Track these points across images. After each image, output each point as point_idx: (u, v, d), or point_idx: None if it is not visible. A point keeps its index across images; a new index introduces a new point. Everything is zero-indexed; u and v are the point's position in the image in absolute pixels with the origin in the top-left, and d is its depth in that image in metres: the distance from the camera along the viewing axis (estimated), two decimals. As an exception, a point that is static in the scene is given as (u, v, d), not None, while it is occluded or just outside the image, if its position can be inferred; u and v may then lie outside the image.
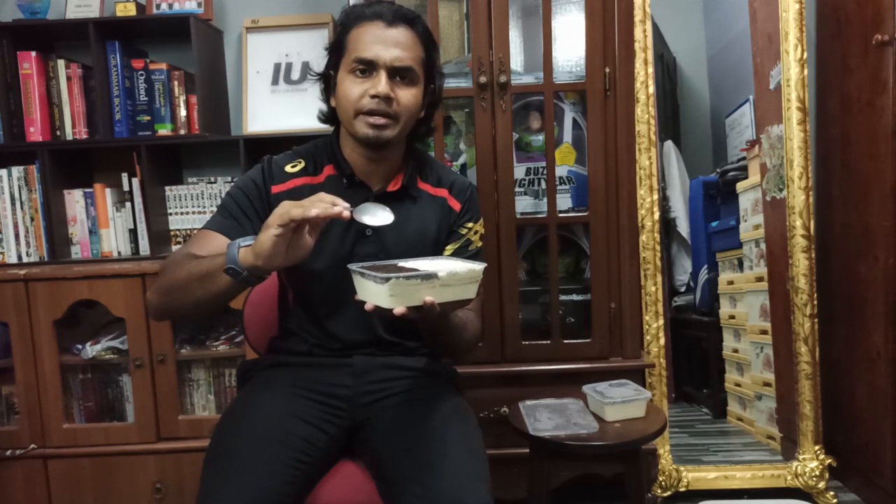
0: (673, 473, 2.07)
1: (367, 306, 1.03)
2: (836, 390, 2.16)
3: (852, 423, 2.10)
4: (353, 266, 1.08)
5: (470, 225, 1.38)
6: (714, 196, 2.65)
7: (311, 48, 2.25)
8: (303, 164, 1.33)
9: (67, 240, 2.21)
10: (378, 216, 1.12)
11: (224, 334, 2.10)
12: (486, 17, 1.85)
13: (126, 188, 2.19)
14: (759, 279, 2.32)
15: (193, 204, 2.23)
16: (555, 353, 1.92)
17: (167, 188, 2.23)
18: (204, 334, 2.11)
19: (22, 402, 1.97)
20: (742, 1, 2.34)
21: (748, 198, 2.38)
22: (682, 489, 2.06)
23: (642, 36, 2.05)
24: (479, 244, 1.39)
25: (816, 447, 2.06)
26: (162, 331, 1.96)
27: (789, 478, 2.07)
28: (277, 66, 2.28)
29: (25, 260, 2.17)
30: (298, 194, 1.26)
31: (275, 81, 2.28)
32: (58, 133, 2.17)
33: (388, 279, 0.99)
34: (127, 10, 2.13)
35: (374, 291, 1.02)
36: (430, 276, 1.01)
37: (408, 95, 1.25)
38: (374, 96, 1.22)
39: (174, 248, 2.22)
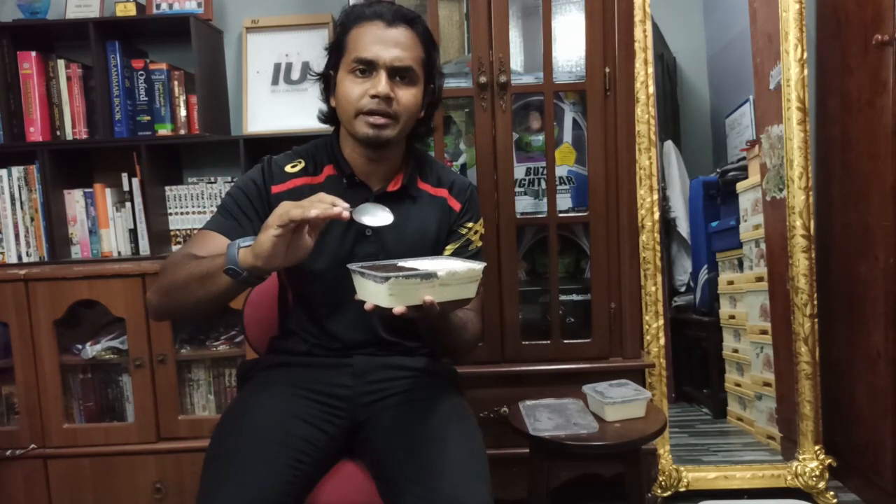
0: (673, 473, 2.07)
1: (367, 306, 1.03)
2: (836, 390, 2.16)
3: (852, 423, 2.10)
4: (352, 266, 1.08)
5: (470, 225, 1.38)
6: (714, 196, 2.65)
7: (311, 48, 2.25)
8: (303, 164, 1.33)
9: (67, 240, 2.21)
10: (378, 217, 1.12)
11: (224, 334, 2.10)
12: (486, 17, 1.85)
13: (126, 188, 2.19)
14: (759, 279, 2.32)
15: (193, 204, 2.23)
16: (555, 353, 1.92)
17: (167, 188, 2.23)
18: (204, 334, 2.11)
19: (22, 402, 1.97)
20: (742, 1, 2.34)
21: (748, 198, 2.38)
22: (682, 489, 2.06)
23: (642, 36, 2.05)
24: (479, 244, 1.39)
25: (816, 447, 2.06)
26: (162, 331, 1.96)
27: (789, 478, 2.07)
28: (277, 66, 2.28)
29: (25, 260, 2.17)
30: (298, 194, 1.26)
31: (275, 81, 2.28)
32: (58, 133, 2.17)
33: (387, 278, 0.99)
34: (127, 10, 2.13)
35: (373, 291, 1.02)
36: (429, 276, 1.01)
37: (408, 95, 1.25)
38: (374, 96, 1.22)
39: (174, 248, 2.22)
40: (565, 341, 1.93)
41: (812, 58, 2.21)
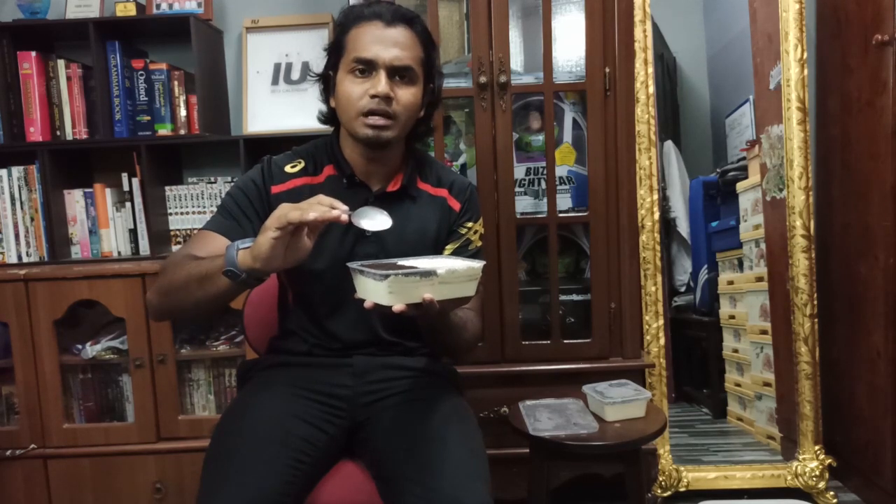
0: (673, 473, 2.06)
1: (367, 304, 1.03)
2: (836, 390, 2.16)
3: (852, 423, 2.10)
4: (352, 264, 1.08)
5: (470, 224, 1.38)
6: (714, 196, 2.65)
7: (311, 48, 2.25)
8: (303, 165, 1.33)
9: (67, 240, 2.21)
10: (376, 220, 1.12)
11: (224, 334, 2.10)
12: (486, 17, 1.85)
13: (126, 188, 2.19)
14: (759, 279, 2.32)
15: (193, 204, 2.23)
16: (555, 353, 1.92)
17: (167, 188, 2.23)
18: (204, 334, 2.11)
19: (22, 402, 1.97)
20: (742, 1, 2.34)
21: (748, 198, 2.38)
22: (682, 489, 2.06)
23: (642, 36, 2.05)
24: (479, 244, 1.39)
25: (816, 447, 2.06)
26: (162, 331, 1.96)
27: (789, 478, 2.07)
28: (277, 66, 2.28)
29: (25, 260, 2.17)
30: (298, 194, 1.26)
31: (275, 81, 2.28)
32: (58, 133, 2.18)
33: (386, 276, 0.99)
34: (127, 10, 2.13)
35: (373, 289, 1.02)
36: (428, 274, 1.01)
37: (407, 95, 1.25)
38: (373, 96, 1.22)
39: (174, 248, 2.22)
40: (565, 341, 1.93)
41: (812, 58, 2.21)
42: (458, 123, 2.10)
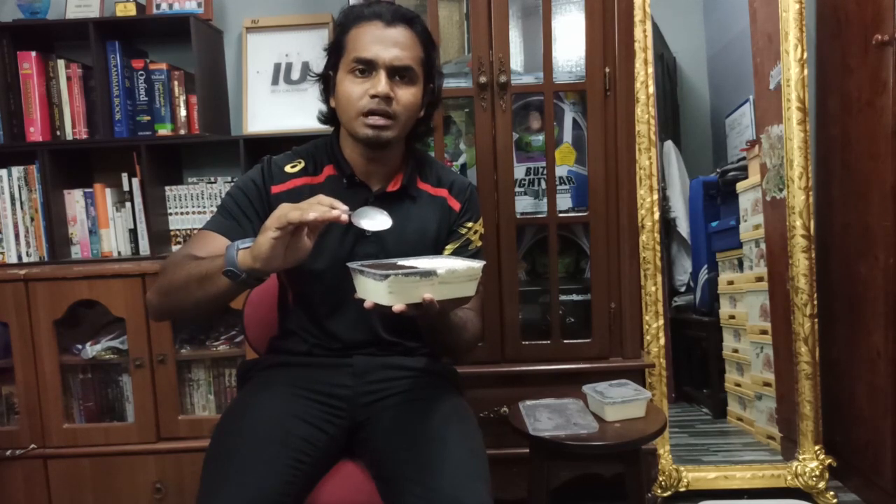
0: (673, 473, 2.06)
1: (367, 304, 1.03)
2: (836, 390, 2.16)
3: (852, 423, 2.10)
4: (352, 264, 1.08)
5: (470, 224, 1.38)
6: (714, 196, 2.65)
7: (311, 48, 2.25)
8: (303, 165, 1.33)
9: (67, 240, 2.21)
10: (376, 220, 1.12)
11: (224, 334, 2.10)
12: (486, 17, 1.85)
13: (126, 188, 2.19)
14: (759, 279, 2.32)
15: (193, 204, 2.23)
16: (555, 353, 1.92)
17: (167, 188, 2.23)
18: (204, 334, 2.11)
19: (22, 402, 1.97)
20: (742, 1, 2.34)
21: (748, 198, 2.38)
22: (682, 489, 2.06)
23: (642, 36, 2.05)
24: (479, 244, 1.39)
25: (816, 447, 2.06)
26: (162, 331, 1.96)
27: (789, 478, 2.07)
28: (277, 66, 2.28)
29: (25, 260, 2.17)
30: (298, 194, 1.26)
31: (275, 81, 2.28)
32: (58, 133, 2.18)
33: (386, 276, 0.99)
34: (127, 10, 2.13)
35: (373, 289, 1.02)
36: (428, 273, 1.01)
37: (407, 95, 1.25)
38: (373, 96, 1.22)
39: (174, 248, 2.22)
40: (565, 341, 1.93)
41: (812, 58, 2.21)
42: (458, 123, 2.11)
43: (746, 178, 2.41)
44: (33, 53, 2.14)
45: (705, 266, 2.68)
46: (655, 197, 2.08)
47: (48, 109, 2.17)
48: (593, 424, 1.51)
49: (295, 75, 2.27)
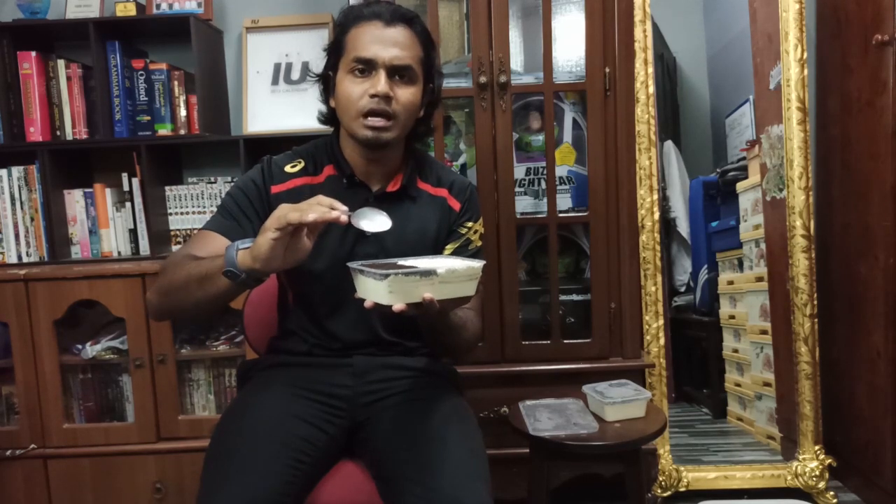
0: (673, 473, 2.06)
1: (367, 304, 1.03)
2: (836, 390, 2.16)
3: (852, 423, 2.10)
4: (352, 264, 1.08)
5: (470, 224, 1.38)
6: (714, 196, 2.65)
7: (311, 48, 2.25)
8: (302, 164, 1.33)
9: (67, 240, 2.21)
10: (376, 221, 1.12)
11: (224, 334, 2.10)
12: (486, 17, 1.85)
13: (126, 188, 2.19)
14: (759, 279, 2.32)
15: (193, 204, 2.23)
16: (555, 353, 1.92)
17: (167, 188, 2.23)
18: (204, 334, 2.11)
19: (22, 402, 1.97)
20: (742, 1, 2.34)
21: (748, 198, 2.38)
22: (682, 489, 2.06)
23: (642, 36, 2.05)
24: (479, 243, 1.39)
25: (816, 447, 2.06)
26: (162, 331, 1.96)
27: (789, 478, 2.07)
28: (277, 66, 2.28)
29: (25, 260, 2.17)
30: (298, 194, 1.26)
31: (275, 81, 2.28)
32: (58, 133, 2.17)
33: (386, 275, 0.99)
34: (127, 10, 2.13)
35: (373, 288, 1.02)
36: (428, 273, 1.01)
37: (407, 94, 1.25)
38: (373, 95, 1.22)
39: (174, 248, 2.22)
40: (565, 341, 1.93)
41: (812, 58, 2.21)
42: (458, 123, 2.11)
43: (746, 178, 2.41)
44: (33, 53, 2.14)
45: (705, 266, 2.68)
46: (655, 197, 2.08)
47: (48, 109, 2.17)
48: (593, 424, 1.51)
49: (295, 75, 2.27)
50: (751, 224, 2.37)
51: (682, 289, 2.81)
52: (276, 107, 2.26)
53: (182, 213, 2.24)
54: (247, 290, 1.37)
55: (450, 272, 1.03)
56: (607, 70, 1.86)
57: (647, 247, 2.08)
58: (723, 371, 2.56)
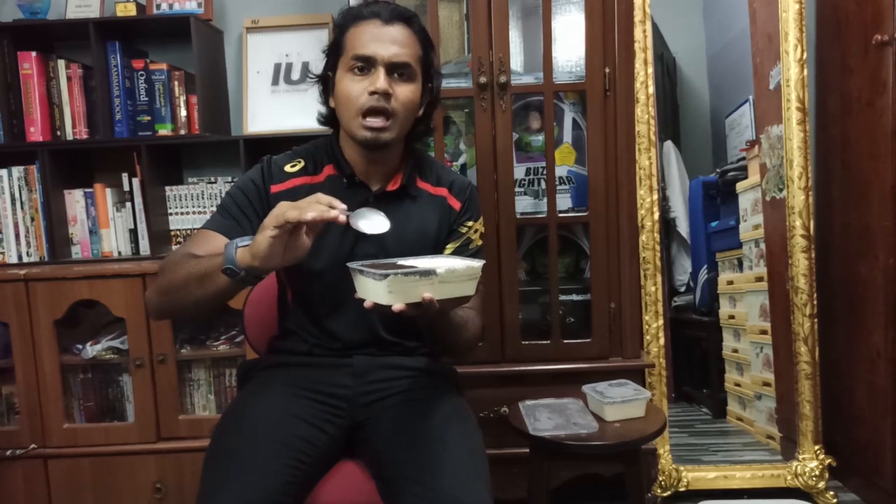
0: (673, 473, 2.06)
1: (367, 304, 1.03)
2: (836, 390, 2.16)
3: (852, 423, 2.10)
4: (351, 264, 1.08)
5: (470, 224, 1.38)
6: (714, 196, 2.65)
7: (311, 48, 2.25)
8: (302, 164, 1.33)
9: (67, 240, 2.21)
10: (374, 222, 1.12)
11: (224, 334, 2.10)
12: (486, 17, 1.85)
13: (126, 188, 2.19)
14: (759, 279, 2.32)
15: (193, 204, 2.23)
16: (555, 353, 1.92)
17: (167, 188, 2.23)
18: (204, 334, 2.11)
19: (22, 402, 1.97)
20: (742, 1, 2.34)
21: (748, 198, 2.38)
22: (682, 489, 2.06)
23: (642, 36, 2.05)
24: (480, 243, 1.39)
25: (816, 447, 2.06)
26: (162, 331, 1.96)
27: (789, 478, 2.07)
28: (277, 67, 2.28)
29: (25, 260, 2.17)
30: (297, 194, 1.26)
31: (275, 81, 2.28)
32: (58, 133, 2.18)
33: (386, 276, 0.99)
34: (127, 10, 2.13)
35: (372, 288, 1.03)
36: (428, 273, 1.01)
37: (406, 92, 1.25)
38: (372, 93, 1.22)
39: (174, 248, 2.22)
40: (565, 341, 1.93)
41: (812, 58, 2.21)
42: (458, 123, 2.11)
43: (746, 178, 2.41)
44: (33, 53, 2.14)
45: (705, 266, 2.68)
46: (655, 197, 2.08)
47: (48, 109, 2.17)
48: (593, 424, 1.51)
49: (295, 75, 2.27)
50: (750, 224, 2.37)
51: (682, 289, 2.81)
52: (276, 107, 2.26)
53: (182, 213, 2.24)
54: (246, 288, 1.37)
55: (449, 272, 1.03)
56: (607, 70, 1.86)
57: (646, 247, 2.08)
58: (723, 371, 2.56)
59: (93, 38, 2.09)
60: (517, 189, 1.96)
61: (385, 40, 1.23)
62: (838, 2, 2.12)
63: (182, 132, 2.18)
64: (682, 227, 2.73)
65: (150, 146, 2.14)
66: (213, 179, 2.23)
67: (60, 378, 1.98)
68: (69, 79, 2.17)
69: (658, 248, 2.10)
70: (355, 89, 1.24)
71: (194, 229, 2.22)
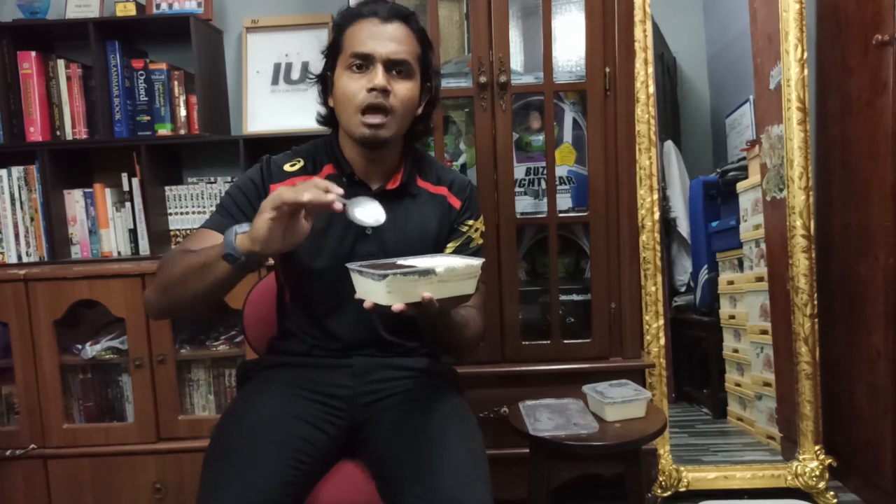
0: (673, 473, 2.06)
1: (366, 304, 1.03)
2: (836, 390, 2.16)
3: (852, 423, 2.10)
4: (351, 265, 1.08)
5: (470, 223, 1.38)
6: (714, 196, 2.65)
7: (311, 48, 2.25)
8: (302, 164, 1.33)
9: (67, 240, 2.21)
10: (368, 210, 1.10)
11: (224, 334, 2.10)
12: (486, 17, 1.85)
13: (126, 188, 2.19)
14: (759, 279, 2.32)
15: (193, 204, 2.23)
16: (555, 353, 1.92)
17: (167, 188, 2.23)
18: (204, 334, 2.11)
19: (22, 402, 1.97)
20: (742, 1, 2.34)
21: (748, 198, 2.38)
22: (682, 489, 2.06)
23: (642, 36, 2.05)
24: (480, 241, 1.39)
25: (816, 447, 2.06)
26: (162, 331, 1.96)
27: (789, 478, 2.06)
28: (277, 66, 2.28)
29: (25, 260, 2.17)
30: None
31: (275, 81, 2.28)
32: (58, 133, 2.18)
33: (385, 276, 0.99)
34: (127, 10, 2.13)
35: (372, 289, 1.02)
36: (427, 272, 1.01)
37: (404, 89, 1.25)
38: (371, 89, 1.22)
39: (173, 247, 2.22)
40: (565, 341, 1.93)
41: (812, 58, 2.21)
42: (458, 123, 2.10)
43: (746, 178, 2.41)
44: (33, 53, 2.14)
45: (705, 266, 2.68)
46: (655, 197, 2.08)
47: (48, 109, 2.17)
48: (593, 424, 1.51)
49: (295, 75, 2.27)
50: (751, 224, 2.37)
51: (683, 289, 2.80)
52: (275, 107, 2.26)
53: (182, 213, 2.24)
54: (246, 289, 1.37)
55: (448, 271, 1.03)
56: (607, 70, 1.86)
57: (647, 247, 2.08)
58: (723, 371, 2.56)
59: (92, 38, 2.09)
60: (517, 189, 1.96)
61: (383, 38, 1.24)
62: (838, 2, 2.12)
63: (182, 132, 2.18)
64: (683, 227, 2.73)
65: (150, 146, 2.14)
66: (212, 179, 2.23)
67: (60, 378, 1.98)
68: (69, 79, 2.17)
69: (658, 248, 2.10)
70: (354, 86, 1.24)
71: (194, 229, 2.21)
